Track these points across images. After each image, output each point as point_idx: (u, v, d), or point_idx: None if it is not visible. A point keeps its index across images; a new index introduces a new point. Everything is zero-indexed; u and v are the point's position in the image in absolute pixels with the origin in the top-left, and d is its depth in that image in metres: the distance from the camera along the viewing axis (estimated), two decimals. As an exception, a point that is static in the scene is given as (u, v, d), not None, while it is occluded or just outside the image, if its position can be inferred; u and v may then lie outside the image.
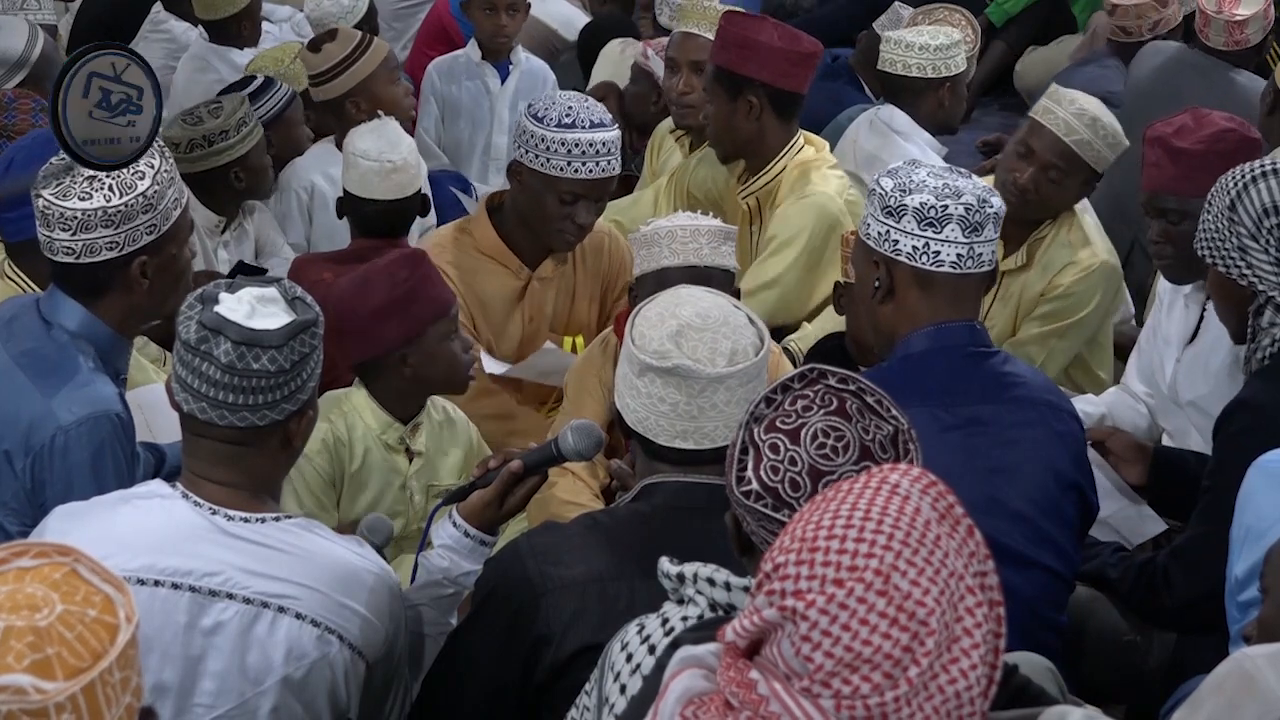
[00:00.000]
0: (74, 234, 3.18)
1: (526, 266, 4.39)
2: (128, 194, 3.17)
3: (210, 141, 5.05)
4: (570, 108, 4.24)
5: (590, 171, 4.21)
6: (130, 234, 3.19)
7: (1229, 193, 3.48)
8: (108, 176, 3.18)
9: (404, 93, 5.55)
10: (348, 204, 4.71)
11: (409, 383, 3.74)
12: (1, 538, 3.12)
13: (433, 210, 5.42)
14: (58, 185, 3.18)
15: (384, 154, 4.65)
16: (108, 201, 3.17)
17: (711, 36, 5.29)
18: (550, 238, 4.32)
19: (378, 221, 4.67)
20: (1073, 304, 4.59)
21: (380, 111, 5.00)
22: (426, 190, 5.38)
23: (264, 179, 5.23)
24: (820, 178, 4.82)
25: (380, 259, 3.85)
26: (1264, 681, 2.11)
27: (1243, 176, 3.49)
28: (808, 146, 4.91)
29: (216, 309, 2.69)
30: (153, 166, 3.22)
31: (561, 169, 4.20)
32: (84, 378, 3.20)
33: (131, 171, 3.19)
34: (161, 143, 3.28)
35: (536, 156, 4.21)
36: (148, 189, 3.19)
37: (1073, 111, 4.56)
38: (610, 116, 4.31)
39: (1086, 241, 4.64)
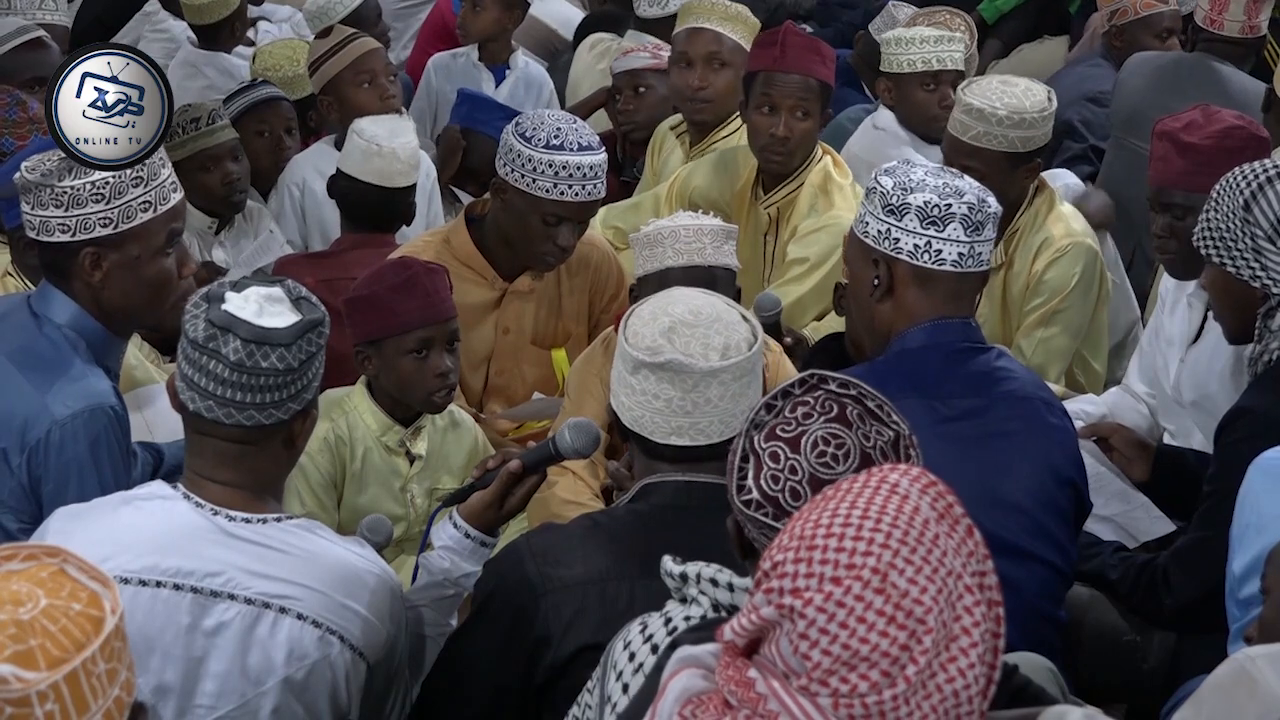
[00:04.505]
0: (33, 208, 3.20)
1: (502, 279, 4.35)
2: (79, 179, 3.17)
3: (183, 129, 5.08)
4: (559, 129, 4.19)
5: (576, 195, 4.15)
6: (81, 220, 3.18)
7: (1242, 193, 3.44)
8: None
9: (378, 96, 5.43)
10: (337, 179, 4.78)
11: (380, 384, 3.75)
12: (1, 536, 3.12)
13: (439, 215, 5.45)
14: (39, 157, 3.21)
15: (376, 137, 4.69)
16: (59, 181, 3.17)
17: (722, 30, 5.30)
18: (531, 258, 4.27)
19: (358, 206, 4.71)
20: (1051, 287, 4.55)
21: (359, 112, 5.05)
22: (436, 201, 5.41)
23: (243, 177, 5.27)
24: (844, 199, 4.82)
25: (392, 257, 3.86)
26: (1265, 682, 2.12)
27: (1257, 177, 3.45)
28: (826, 156, 4.93)
29: (224, 307, 2.69)
30: None
31: (547, 190, 4.14)
32: (77, 371, 3.20)
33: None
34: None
35: (522, 176, 4.17)
36: (99, 179, 3.17)
37: (962, 110, 4.48)
38: (598, 139, 4.27)
39: (1060, 222, 4.60)
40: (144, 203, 3.21)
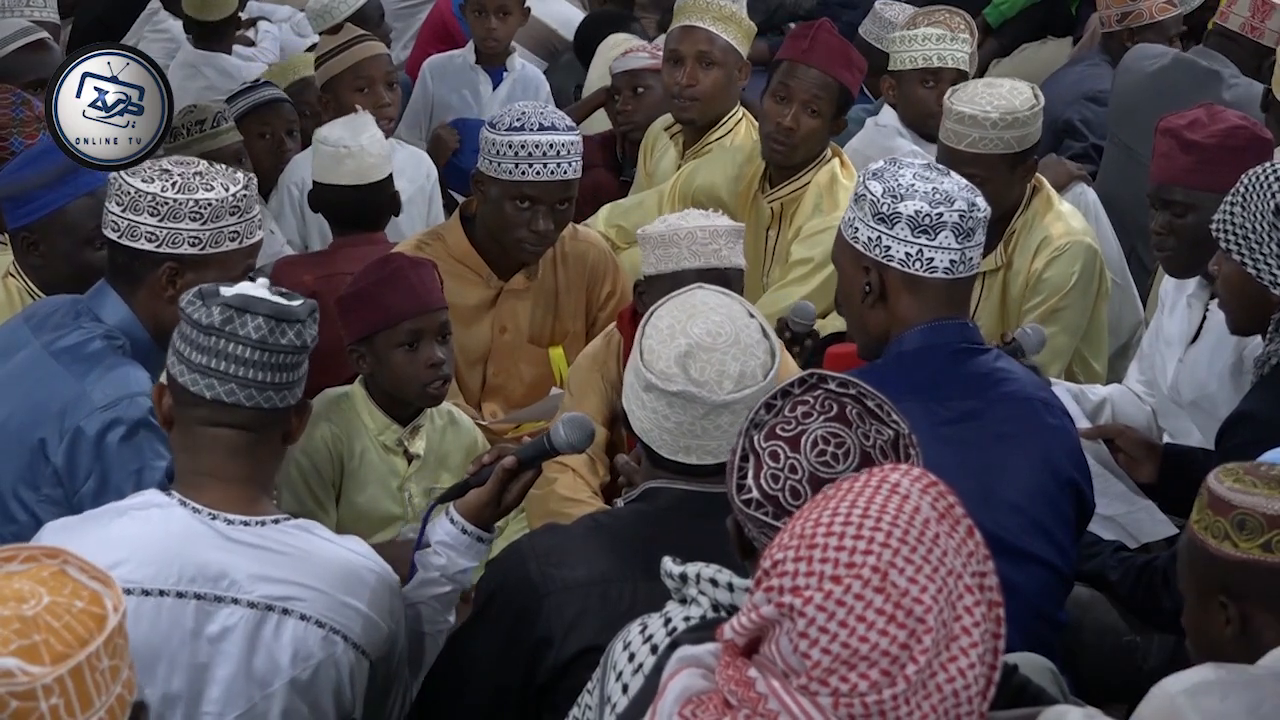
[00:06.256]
0: (123, 209, 3.22)
1: (498, 277, 4.37)
2: (182, 193, 3.21)
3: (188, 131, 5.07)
4: (524, 113, 4.25)
5: (538, 174, 4.18)
6: (171, 235, 3.21)
7: (1275, 196, 3.41)
8: (176, 173, 3.22)
9: (374, 103, 5.37)
10: (314, 192, 4.78)
11: (375, 381, 3.76)
12: (35, 525, 3.12)
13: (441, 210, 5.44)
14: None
15: (341, 139, 4.69)
16: (161, 190, 3.20)
17: (715, 30, 5.29)
18: (512, 247, 4.30)
19: (342, 210, 4.70)
20: (1050, 285, 4.53)
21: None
22: (436, 188, 5.38)
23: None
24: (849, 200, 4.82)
25: (381, 255, 3.85)
26: (1185, 718, 2.13)
27: None
28: (835, 158, 4.93)
29: (233, 291, 2.71)
30: (226, 187, 3.25)
31: (510, 171, 4.18)
32: (114, 361, 3.24)
33: (200, 179, 3.22)
34: (248, 177, 3.31)
35: (490, 162, 4.21)
36: (202, 198, 3.21)
37: (953, 120, 4.46)
38: (567, 121, 4.28)
39: (1059, 221, 4.58)
40: (233, 232, 3.25)
